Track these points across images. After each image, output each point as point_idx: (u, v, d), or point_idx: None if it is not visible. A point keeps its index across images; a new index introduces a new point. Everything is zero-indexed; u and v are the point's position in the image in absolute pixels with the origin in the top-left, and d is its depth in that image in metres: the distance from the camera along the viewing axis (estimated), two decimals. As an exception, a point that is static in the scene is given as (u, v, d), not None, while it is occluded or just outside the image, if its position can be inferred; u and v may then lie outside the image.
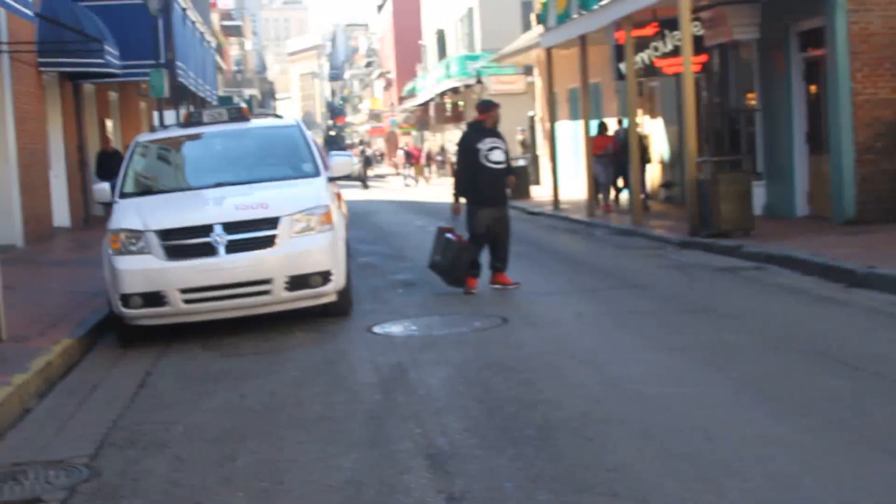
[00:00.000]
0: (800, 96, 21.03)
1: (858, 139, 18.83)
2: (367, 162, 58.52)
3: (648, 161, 26.93)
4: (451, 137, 64.33)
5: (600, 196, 27.00)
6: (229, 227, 11.46)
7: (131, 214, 11.90)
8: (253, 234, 11.50)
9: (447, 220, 14.83)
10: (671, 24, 22.67)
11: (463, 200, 14.28)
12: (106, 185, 13.06)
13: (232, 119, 13.91)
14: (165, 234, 11.46)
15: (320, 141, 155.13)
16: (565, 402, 7.84)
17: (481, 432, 7.19)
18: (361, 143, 69.44)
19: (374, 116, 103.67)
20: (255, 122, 14.55)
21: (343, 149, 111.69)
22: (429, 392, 8.46)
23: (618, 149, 26.19)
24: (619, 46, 23.87)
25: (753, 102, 22.88)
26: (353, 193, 46.14)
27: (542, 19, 29.70)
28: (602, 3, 23.45)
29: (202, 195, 12.41)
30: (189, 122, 14.15)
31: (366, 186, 54.17)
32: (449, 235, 13.93)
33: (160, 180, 13.47)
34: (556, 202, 28.47)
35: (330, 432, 7.54)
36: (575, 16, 25.96)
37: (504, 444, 6.87)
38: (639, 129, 26.06)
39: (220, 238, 11.38)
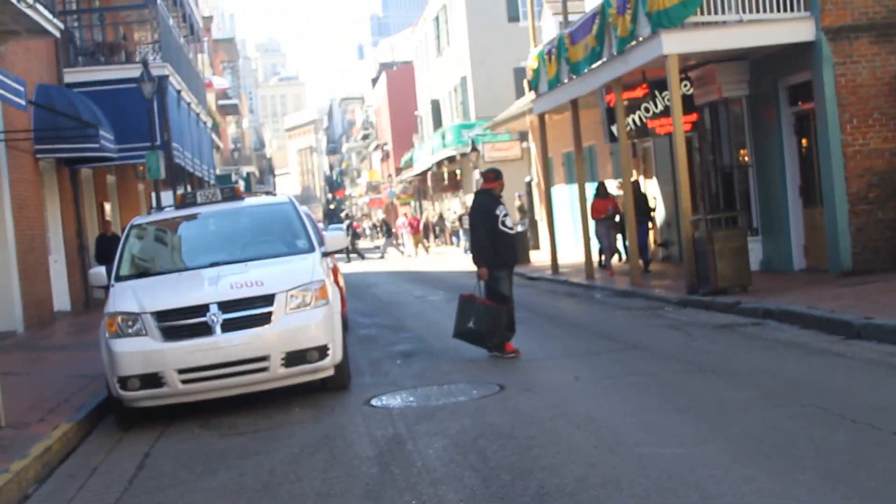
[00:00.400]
0: (791, 150, 21.18)
1: (851, 190, 18.95)
2: (355, 234, 58.59)
3: (652, 221, 26.86)
4: (449, 206, 64.55)
5: (602, 258, 26.87)
6: (225, 306, 11.48)
7: (128, 297, 11.94)
8: (249, 311, 11.52)
9: (469, 288, 14.85)
10: (661, 84, 22.86)
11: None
12: (102, 269, 13.13)
13: (225, 198, 13.99)
14: (161, 316, 11.49)
15: (320, 215, 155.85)
16: (561, 467, 7.83)
17: (477, 502, 7.18)
18: (347, 216, 69.20)
19: (373, 188, 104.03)
20: (249, 201, 14.63)
21: (342, 222, 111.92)
22: (425, 463, 8.44)
23: (619, 211, 26.13)
24: (611, 109, 24.04)
25: (746, 159, 23.01)
26: (352, 266, 46.22)
27: (533, 85, 29.91)
28: (592, 67, 23.64)
29: (197, 275, 12.44)
30: (183, 203, 14.20)
31: (362, 257, 54.25)
32: (481, 302, 13.95)
33: (156, 262, 13.53)
34: (554, 266, 28.52)
35: (328, 508, 7.53)
36: (565, 81, 26.16)
37: (500, 513, 6.87)
38: (643, 190, 26.20)
39: (215, 317, 11.41)
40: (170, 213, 14.49)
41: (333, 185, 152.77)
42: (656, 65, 20.55)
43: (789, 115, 21.18)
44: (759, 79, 21.83)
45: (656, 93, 23.50)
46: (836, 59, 19.01)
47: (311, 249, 12.94)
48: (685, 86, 22.90)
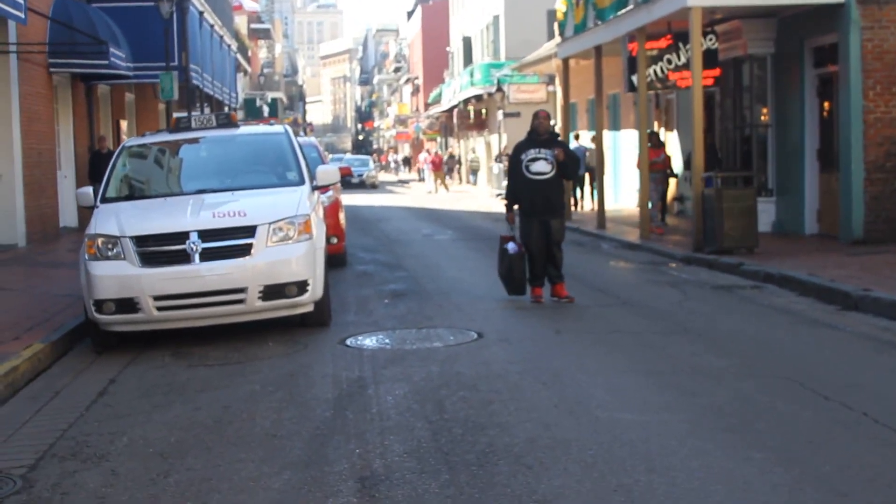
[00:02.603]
0: (812, 113, 20.74)
1: (869, 158, 18.54)
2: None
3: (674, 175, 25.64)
4: (473, 145, 64.15)
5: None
6: (205, 235, 11.27)
7: (110, 220, 11.74)
8: (229, 242, 11.31)
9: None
10: (685, 36, 22.34)
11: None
12: (89, 190, 12.92)
13: (220, 125, 13.73)
14: (140, 241, 11.29)
15: (349, 145, 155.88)
16: (515, 425, 7.58)
17: (421, 455, 6.96)
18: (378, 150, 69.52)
19: (401, 122, 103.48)
20: (243, 129, 14.39)
21: (370, 153, 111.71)
22: (381, 410, 8.22)
23: (668, 164, 24.11)
24: (633, 58, 23.58)
25: (766, 118, 22.57)
26: (367, 199, 46.00)
27: (561, 29, 29.44)
28: (618, 14, 23.19)
29: (182, 202, 12.18)
30: (177, 127, 13.94)
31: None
32: (508, 245, 13.73)
33: (144, 185, 13.33)
34: (568, 213, 28.13)
35: (271, 450, 7.32)
36: (591, 26, 25.71)
37: (440, 469, 6.63)
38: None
39: (195, 245, 11.20)
40: (163, 137, 14.21)
41: (363, 115, 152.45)
42: (681, 16, 20.08)
43: (813, 76, 20.72)
44: (785, 38, 21.36)
45: (680, 45, 23.02)
46: (864, 23, 18.50)
47: (301, 182, 12.70)
48: (710, 40, 22.47)
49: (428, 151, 64.90)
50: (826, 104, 20.51)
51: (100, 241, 11.45)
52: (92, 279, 11.28)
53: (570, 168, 13.95)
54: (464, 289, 15.23)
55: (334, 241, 17.43)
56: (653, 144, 23.52)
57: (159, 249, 11.28)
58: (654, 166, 23.13)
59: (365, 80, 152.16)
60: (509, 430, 7.47)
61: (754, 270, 15.79)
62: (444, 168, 58.98)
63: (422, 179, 67.20)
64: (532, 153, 13.80)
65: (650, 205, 23.23)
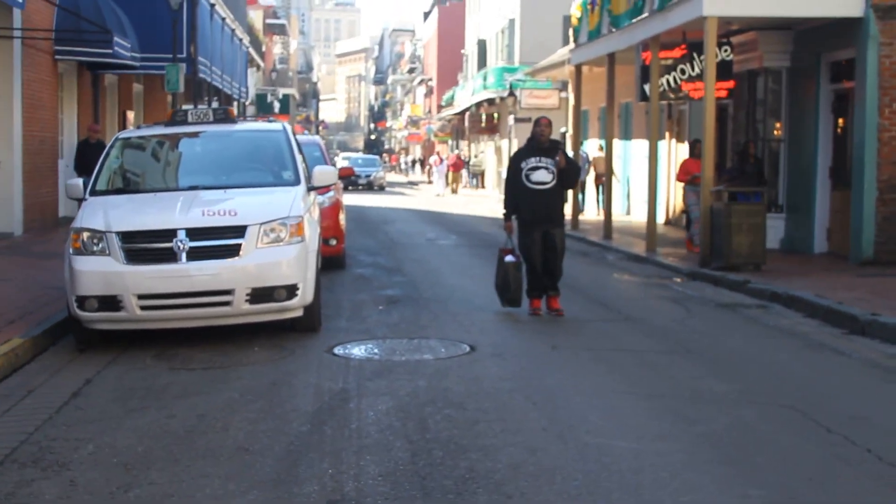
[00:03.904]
0: (826, 129, 20.31)
1: (882, 177, 18.11)
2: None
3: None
4: (483, 149, 63.78)
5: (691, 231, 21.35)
6: (193, 234, 10.89)
7: (97, 213, 11.39)
8: (217, 241, 10.94)
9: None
10: (699, 47, 21.87)
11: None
12: (80, 182, 12.56)
13: (217, 120, 13.35)
14: (126, 237, 10.92)
15: (361, 144, 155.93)
16: (500, 449, 7.18)
17: (396, 479, 6.56)
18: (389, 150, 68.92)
19: (413, 123, 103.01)
20: (241, 125, 14.03)
21: (381, 153, 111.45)
22: (360, 426, 7.82)
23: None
24: (646, 67, 23.18)
25: (779, 132, 22.14)
26: (374, 200, 45.60)
27: (576, 35, 29.06)
28: (632, 21, 22.80)
29: (172, 198, 11.80)
30: (173, 120, 13.56)
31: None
32: (508, 257, 13.32)
33: (135, 179, 12.95)
34: (575, 222, 27.72)
35: (240, 466, 6.93)
36: (605, 33, 25.33)
37: (415, 496, 6.24)
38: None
39: (182, 244, 10.82)
40: (158, 130, 13.83)
41: (376, 115, 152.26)
42: (696, 26, 19.65)
43: (828, 91, 20.28)
44: (801, 51, 20.94)
45: (694, 55, 22.59)
46: (882, 38, 18.06)
47: (297, 182, 12.31)
48: (725, 51, 22.05)
49: (438, 154, 64.38)
50: (840, 121, 20.10)
51: (85, 235, 11.12)
52: (75, 274, 10.93)
53: (570, 176, 13.54)
54: (462, 297, 14.84)
55: (333, 242, 17.08)
56: (695, 155, 21.29)
57: (145, 246, 10.91)
58: (697, 179, 20.54)
59: (379, 80, 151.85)
60: (493, 454, 7.08)
61: (761, 289, 15.38)
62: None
63: (431, 181, 66.81)
64: (533, 161, 13.36)
65: (689, 222, 21.63)
